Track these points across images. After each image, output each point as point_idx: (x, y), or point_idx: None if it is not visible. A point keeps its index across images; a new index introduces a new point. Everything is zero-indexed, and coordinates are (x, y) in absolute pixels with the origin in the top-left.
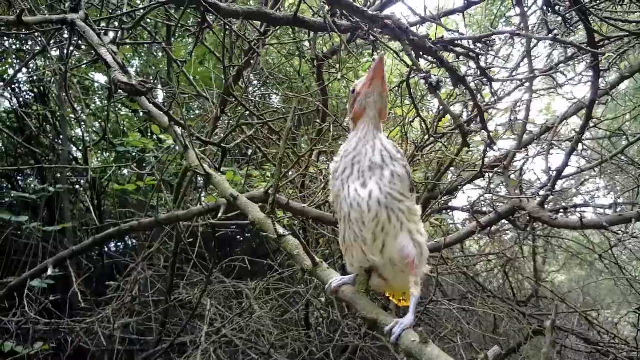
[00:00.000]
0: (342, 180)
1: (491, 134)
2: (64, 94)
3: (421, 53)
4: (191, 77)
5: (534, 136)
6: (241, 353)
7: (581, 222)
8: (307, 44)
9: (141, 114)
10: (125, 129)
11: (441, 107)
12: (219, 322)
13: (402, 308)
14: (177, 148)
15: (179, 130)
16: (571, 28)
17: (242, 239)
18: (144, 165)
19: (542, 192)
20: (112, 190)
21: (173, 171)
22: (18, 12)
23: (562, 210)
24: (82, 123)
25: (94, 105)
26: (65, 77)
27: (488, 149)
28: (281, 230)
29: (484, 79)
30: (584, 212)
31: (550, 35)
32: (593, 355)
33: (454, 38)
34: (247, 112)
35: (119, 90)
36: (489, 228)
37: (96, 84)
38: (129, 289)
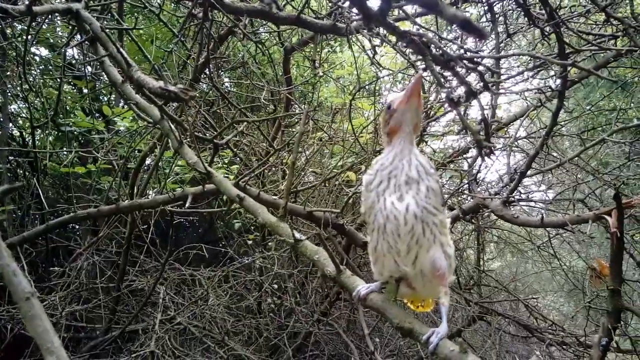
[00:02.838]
0: (378, 193)
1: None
2: (11, 72)
3: (439, 68)
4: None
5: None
6: (195, 341)
7: (542, 221)
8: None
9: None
10: (67, 107)
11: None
12: (172, 310)
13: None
14: (170, 143)
15: (172, 124)
16: (546, 39)
17: (188, 225)
18: (96, 147)
19: (504, 193)
20: (54, 172)
21: (122, 153)
22: (28, 2)
23: (507, 203)
24: (28, 102)
25: (31, 79)
26: (25, 59)
27: (486, 157)
28: (297, 235)
29: (487, 92)
30: (520, 205)
31: (569, 62)
32: (529, 340)
33: (473, 55)
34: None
35: (154, 95)
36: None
37: (37, 58)
38: (75, 275)
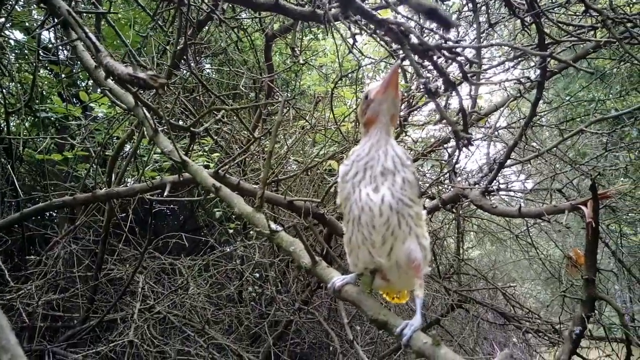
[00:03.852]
0: (353, 184)
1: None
2: None
3: (418, 57)
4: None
5: (471, 122)
6: (175, 330)
7: (519, 211)
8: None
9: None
10: (43, 92)
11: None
12: (151, 299)
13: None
14: (145, 131)
15: (147, 112)
16: (526, 29)
17: (169, 213)
18: (73, 134)
19: (483, 182)
20: (29, 159)
21: (100, 140)
22: None
23: (486, 193)
24: (2, 87)
25: (5, 62)
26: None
27: (464, 148)
28: (273, 226)
29: (466, 82)
30: (499, 194)
31: (547, 53)
32: (506, 327)
33: (452, 45)
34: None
35: (114, 79)
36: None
37: (11, 42)
38: (51, 264)
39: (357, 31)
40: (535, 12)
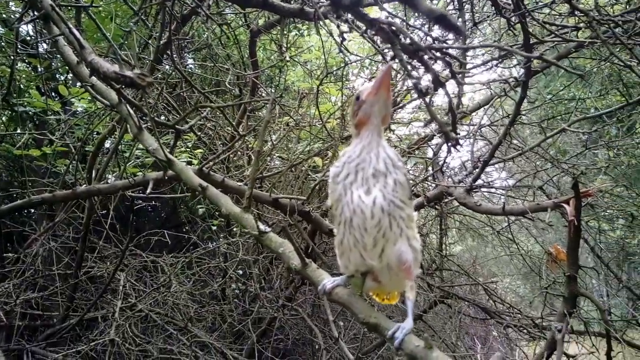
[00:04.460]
0: (345, 186)
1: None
2: None
3: (407, 57)
4: (110, 39)
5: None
6: (157, 328)
7: (503, 209)
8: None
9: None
10: (21, 86)
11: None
12: (133, 297)
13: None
14: (130, 129)
15: (130, 109)
16: (512, 29)
17: (151, 210)
18: (52, 129)
19: (467, 180)
20: (7, 154)
21: (80, 136)
22: None
23: (470, 191)
24: None
25: None
26: None
27: (452, 148)
28: (262, 227)
29: (454, 81)
30: (481, 190)
31: (535, 54)
32: (487, 322)
33: (442, 46)
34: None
35: (99, 77)
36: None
37: None
38: (30, 262)
39: (346, 29)
40: (521, 12)
